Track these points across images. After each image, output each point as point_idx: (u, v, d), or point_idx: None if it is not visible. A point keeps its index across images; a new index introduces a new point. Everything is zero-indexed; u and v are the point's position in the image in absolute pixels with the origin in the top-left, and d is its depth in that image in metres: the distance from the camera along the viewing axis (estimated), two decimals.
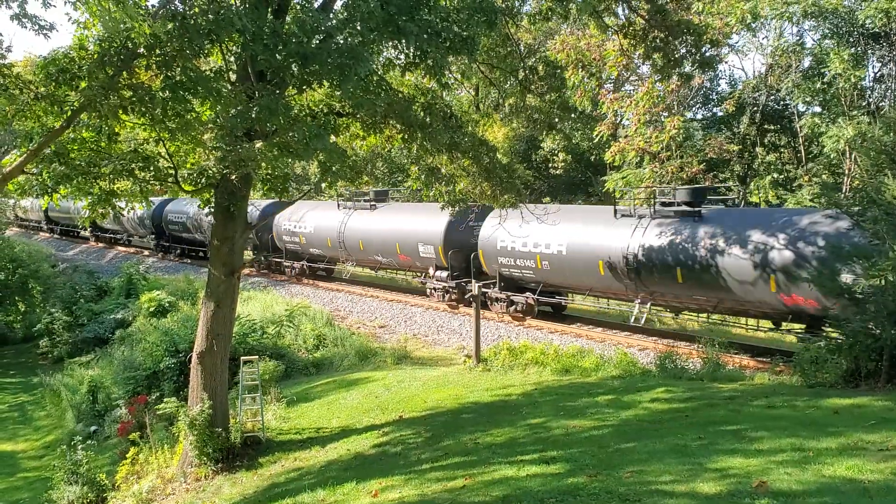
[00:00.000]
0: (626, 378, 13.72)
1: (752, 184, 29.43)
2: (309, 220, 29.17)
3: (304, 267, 30.48)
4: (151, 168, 11.00)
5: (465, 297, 22.65)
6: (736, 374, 14.00)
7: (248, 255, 33.03)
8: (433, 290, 24.10)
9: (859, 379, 11.23)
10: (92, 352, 24.82)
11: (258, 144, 9.61)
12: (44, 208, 49.31)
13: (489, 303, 21.89)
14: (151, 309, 24.83)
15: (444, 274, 23.33)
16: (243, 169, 10.03)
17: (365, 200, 27.77)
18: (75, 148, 10.39)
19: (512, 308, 21.40)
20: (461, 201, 13.52)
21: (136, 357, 19.13)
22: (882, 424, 8.16)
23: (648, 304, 18.08)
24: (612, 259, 18.26)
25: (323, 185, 12.09)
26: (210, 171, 10.73)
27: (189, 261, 37.06)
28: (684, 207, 17.61)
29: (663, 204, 18.18)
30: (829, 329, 14.21)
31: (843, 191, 23.72)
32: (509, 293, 21.35)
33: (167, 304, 25.03)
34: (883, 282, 10.71)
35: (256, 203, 28.54)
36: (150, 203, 11.90)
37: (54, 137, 9.38)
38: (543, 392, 12.91)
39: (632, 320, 17.62)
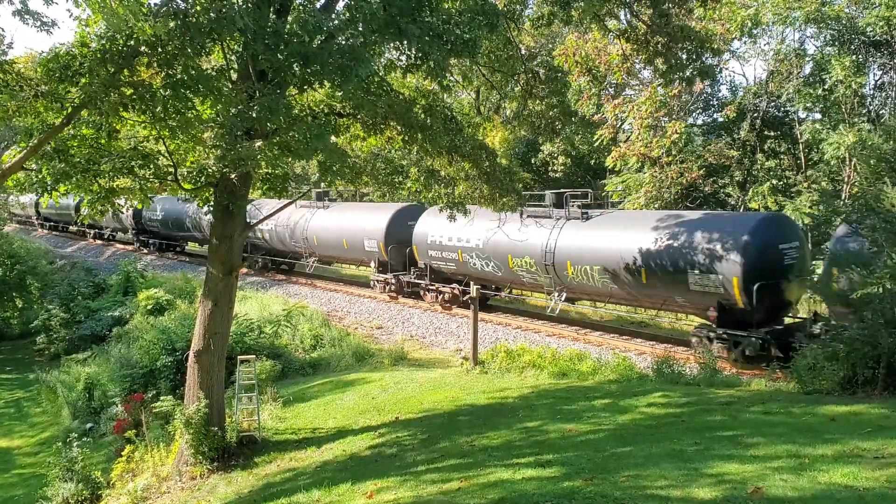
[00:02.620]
0: (623, 382, 13.72)
1: (752, 190, 29.45)
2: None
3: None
4: (151, 166, 11.00)
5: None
6: (733, 379, 14.00)
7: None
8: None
9: (856, 386, 11.24)
10: (89, 349, 24.79)
11: (258, 143, 9.62)
12: (44, 205, 49.46)
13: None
14: (149, 307, 24.81)
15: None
16: (243, 168, 10.03)
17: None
18: (75, 145, 10.39)
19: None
20: (460, 204, 13.53)
21: (133, 355, 19.11)
22: (878, 432, 8.16)
23: (563, 294, 19.87)
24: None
25: (323, 184, 12.08)
26: (210, 170, 10.73)
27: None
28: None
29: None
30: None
31: (843, 198, 23.77)
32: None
33: (165, 302, 25.01)
34: (880, 289, 10.73)
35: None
36: (150, 201, 11.88)
37: (54, 134, 9.37)
38: (540, 395, 12.90)
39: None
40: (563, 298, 19.08)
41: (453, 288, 23.21)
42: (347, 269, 33.01)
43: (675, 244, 16.81)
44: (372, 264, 26.58)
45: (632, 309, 20.02)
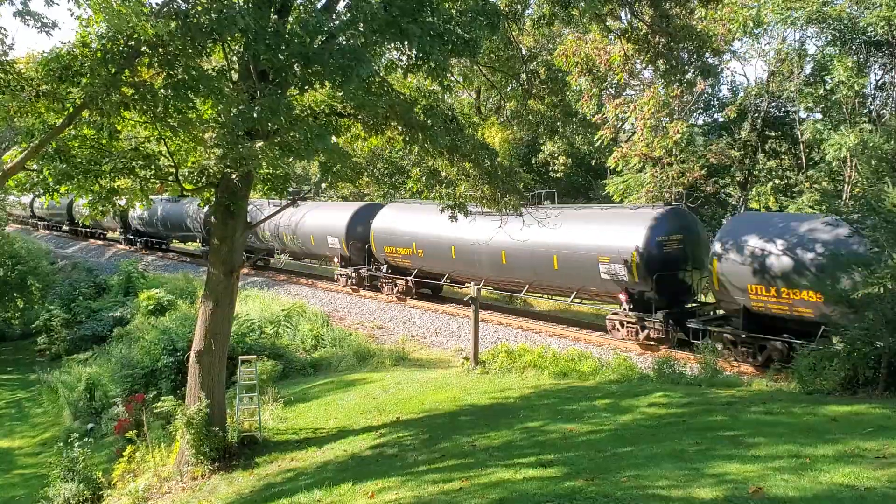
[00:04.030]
0: (624, 382, 13.71)
1: (753, 190, 29.44)
2: None
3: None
4: (152, 166, 11.00)
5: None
6: (734, 379, 14.00)
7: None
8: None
9: (857, 386, 11.24)
10: (90, 349, 24.79)
11: (259, 144, 9.62)
12: (45, 205, 49.83)
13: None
14: (150, 307, 24.81)
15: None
16: (244, 168, 10.04)
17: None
18: (76, 145, 10.39)
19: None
20: (461, 205, 13.53)
21: (134, 355, 19.10)
22: (880, 432, 8.16)
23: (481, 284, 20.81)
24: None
25: (323, 185, 12.10)
26: (211, 170, 10.73)
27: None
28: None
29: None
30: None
31: (844, 198, 23.74)
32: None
33: (166, 303, 25.01)
34: (882, 290, 10.73)
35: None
36: (151, 202, 11.88)
37: (56, 134, 9.37)
38: (541, 395, 12.90)
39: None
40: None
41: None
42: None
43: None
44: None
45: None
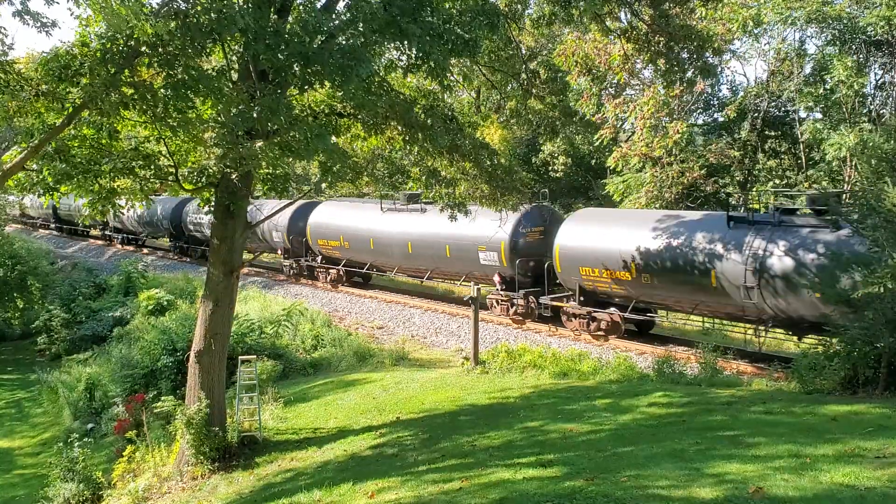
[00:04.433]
0: (623, 382, 13.71)
1: (753, 189, 29.42)
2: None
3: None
4: (152, 166, 11.00)
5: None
6: (734, 379, 14.00)
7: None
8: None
9: (857, 386, 11.23)
10: (90, 349, 24.78)
11: (259, 143, 9.61)
12: (45, 205, 50.48)
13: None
14: (150, 307, 24.79)
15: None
16: (244, 167, 10.03)
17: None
18: (76, 145, 10.38)
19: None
20: (461, 204, 13.54)
21: (134, 355, 19.09)
22: (880, 432, 8.16)
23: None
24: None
25: (323, 185, 12.11)
26: (211, 170, 10.72)
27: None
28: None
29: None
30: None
31: (844, 198, 23.72)
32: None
33: (166, 303, 25.00)
34: (881, 289, 10.72)
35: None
36: (151, 202, 11.88)
37: (55, 134, 9.37)
38: (541, 395, 12.90)
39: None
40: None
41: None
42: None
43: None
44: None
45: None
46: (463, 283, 23.76)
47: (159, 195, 36.06)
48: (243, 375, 13.07)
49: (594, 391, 12.83)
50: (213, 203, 11.73)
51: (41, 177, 10.25)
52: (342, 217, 27.72)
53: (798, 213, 16.48)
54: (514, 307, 21.39)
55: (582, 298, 19.23)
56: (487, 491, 7.25)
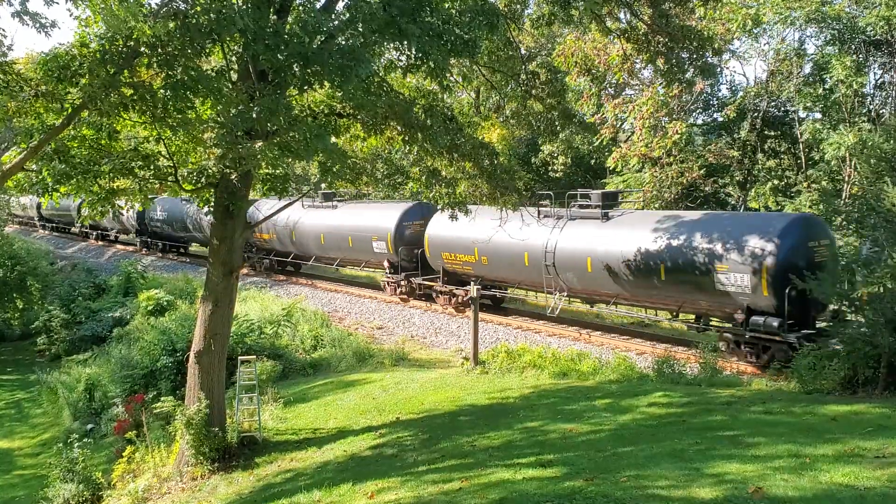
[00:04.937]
0: (623, 382, 13.71)
1: (752, 190, 29.42)
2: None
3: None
4: (151, 167, 10.99)
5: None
6: (733, 379, 14.00)
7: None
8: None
9: (857, 386, 11.24)
10: (89, 350, 24.76)
11: (259, 144, 9.61)
12: (44, 205, 51.70)
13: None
14: (150, 307, 24.76)
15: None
16: (243, 168, 10.03)
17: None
18: (75, 145, 10.37)
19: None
20: (461, 203, 13.53)
21: (134, 355, 19.08)
22: (879, 431, 8.16)
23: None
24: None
25: (323, 185, 12.11)
26: (210, 171, 10.72)
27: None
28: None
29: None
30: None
31: (843, 198, 23.74)
32: (262, 257, 32.25)
33: (165, 303, 24.96)
34: (881, 289, 10.73)
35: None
36: (150, 202, 11.87)
37: (55, 135, 9.37)
38: (541, 395, 12.90)
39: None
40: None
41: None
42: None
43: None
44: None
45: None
46: (366, 269, 28.20)
47: (159, 196, 36.54)
48: (243, 376, 13.07)
49: (594, 391, 12.83)
50: (212, 203, 11.73)
51: (41, 177, 10.24)
52: (295, 211, 29.32)
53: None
54: (400, 287, 24.95)
55: (446, 278, 23.22)
56: (487, 491, 7.25)
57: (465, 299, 21.94)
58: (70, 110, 9.06)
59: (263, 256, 32.26)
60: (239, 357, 13.83)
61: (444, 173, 13.20)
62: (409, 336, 21.28)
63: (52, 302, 30.09)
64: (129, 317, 25.67)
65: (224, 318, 11.90)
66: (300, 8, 10.44)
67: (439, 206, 14.03)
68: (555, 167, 37.39)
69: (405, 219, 24.64)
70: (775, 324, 14.70)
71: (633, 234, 17.92)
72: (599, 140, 30.70)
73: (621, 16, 16.17)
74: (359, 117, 11.45)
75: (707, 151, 29.49)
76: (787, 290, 14.31)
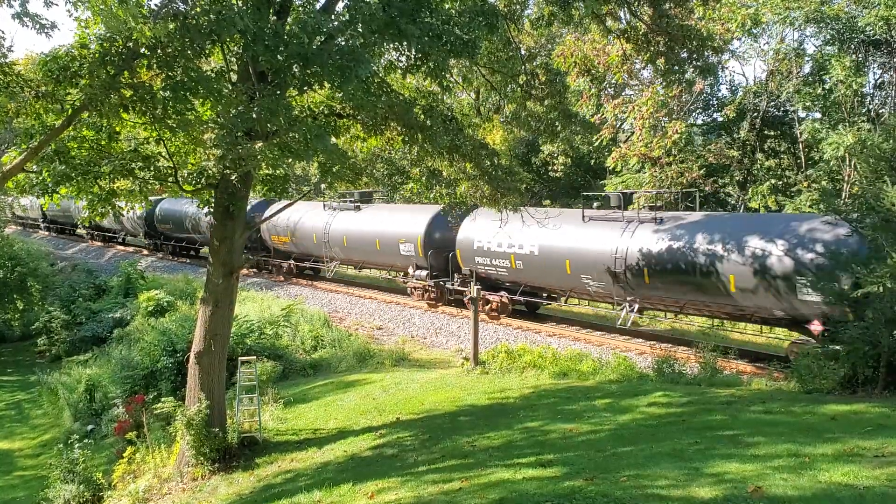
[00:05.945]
0: (623, 382, 13.72)
1: (752, 190, 29.43)
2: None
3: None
4: (151, 168, 11.00)
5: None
6: (733, 379, 14.00)
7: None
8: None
9: (856, 385, 11.24)
10: (90, 350, 24.77)
11: (258, 144, 9.62)
12: (44, 206, 51.94)
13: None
14: (150, 308, 24.79)
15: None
16: (243, 168, 10.03)
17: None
18: (75, 146, 10.39)
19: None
20: (461, 203, 13.53)
21: (134, 356, 19.10)
22: (879, 431, 8.17)
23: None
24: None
25: (322, 185, 12.12)
26: (210, 171, 10.73)
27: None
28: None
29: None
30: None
31: (843, 197, 23.73)
32: (281, 260, 32.22)
33: (165, 304, 24.99)
34: (881, 289, 10.73)
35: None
36: (150, 203, 11.88)
37: (55, 136, 9.38)
38: (541, 395, 12.91)
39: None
40: (478, 288, 18.67)
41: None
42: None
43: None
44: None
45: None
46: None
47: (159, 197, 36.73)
48: (243, 376, 13.08)
49: (594, 391, 12.84)
50: (212, 204, 11.74)
51: (41, 178, 10.25)
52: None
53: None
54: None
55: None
56: (487, 491, 7.26)
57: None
58: (70, 111, 9.07)
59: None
60: (239, 358, 13.83)
61: (444, 174, 13.21)
62: (410, 336, 21.29)
63: (52, 303, 30.11)
64: (129, 318, 25.70)
65: (224, 318, 11.91)
66: (300, 9, 10.46)
67: (471, 208, 13.86)
68: (555, 167, 37.41)
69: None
70: None
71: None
72: (599, 140, 30.72)
73: (621, 16, 16.16)
74: (359, 118, 11.46)
75: (707, 151, 29.50)
76: None
